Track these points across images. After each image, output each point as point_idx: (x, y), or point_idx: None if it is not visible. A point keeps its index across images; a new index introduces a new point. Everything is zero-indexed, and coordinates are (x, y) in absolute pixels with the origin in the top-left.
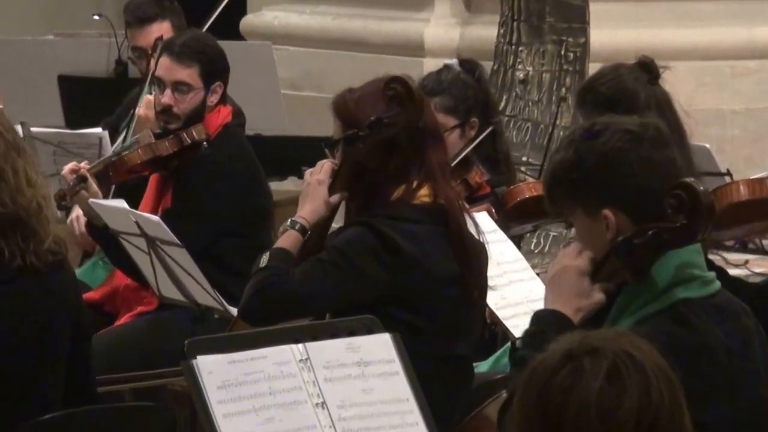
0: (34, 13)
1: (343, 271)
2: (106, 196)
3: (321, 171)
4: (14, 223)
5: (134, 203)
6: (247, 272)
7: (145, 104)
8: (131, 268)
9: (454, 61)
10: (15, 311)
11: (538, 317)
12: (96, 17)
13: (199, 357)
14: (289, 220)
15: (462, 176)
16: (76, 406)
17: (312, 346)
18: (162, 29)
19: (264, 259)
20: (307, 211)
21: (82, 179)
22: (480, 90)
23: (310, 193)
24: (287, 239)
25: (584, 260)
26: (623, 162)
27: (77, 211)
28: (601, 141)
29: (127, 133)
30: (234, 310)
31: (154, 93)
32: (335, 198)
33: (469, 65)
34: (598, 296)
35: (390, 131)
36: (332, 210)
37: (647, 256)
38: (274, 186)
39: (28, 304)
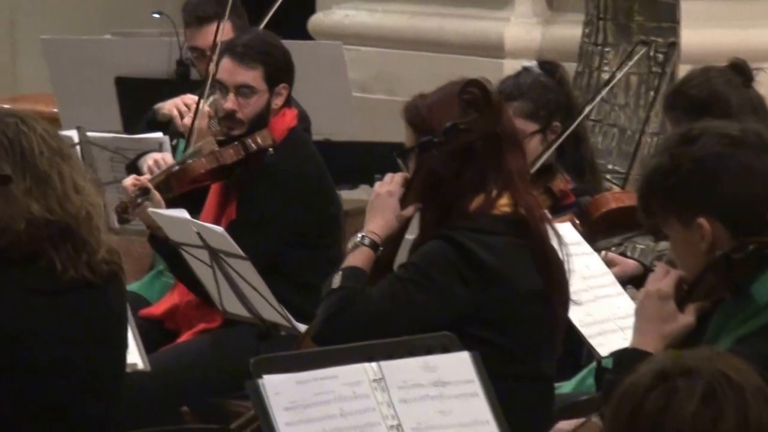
0: (91, 11)
1: (423, 289)
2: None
3: (391, 182)
4: (64, 232)
5: (193, 211)
6: (315, 286)
7: (207, 141)
8: (193, 282)
9: (533, 64)
10: (67, 325)
11: (619, 357)
12: (156, 15)
13: (265, 376)
14: (359, 236)
15: (545, 184)
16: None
17: (386, 365)
18: (222, 30)
19: (336, 280)
20: (378, 226)
21: (144, 191)
22: (561, 93)
23: (380, 206)
24: (359, 256)
25: (667, 282)
26: (721, 168)
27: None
28: (697, 146)
29: (187, 145)
30: (301, 327)
31: (213, 97)
32: (408, 211)
33: (549, 67)
34: (685, 319)
35: (466, 137)
36: (404, 224)
37: (747, 273)
38: (344, 195)
39: (81, 318)
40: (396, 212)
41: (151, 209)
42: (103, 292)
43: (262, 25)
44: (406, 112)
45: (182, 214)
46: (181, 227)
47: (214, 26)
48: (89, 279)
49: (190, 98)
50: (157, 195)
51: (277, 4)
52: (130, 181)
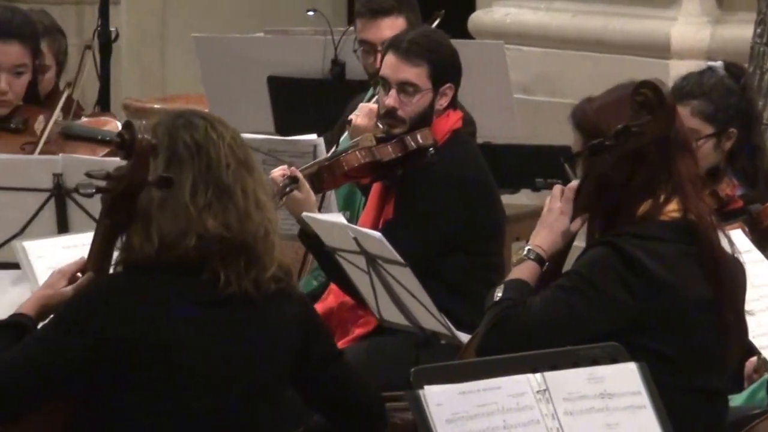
0: (243, 9)
1: (586, 298)
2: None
3: (563, 199)
4: (239, 249)
5: None
6: (475, 293)
7: (363, 112)
8: (347, 283)
9: (718, 64)
10: (222, 340)
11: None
12: (310, 13)
13: (426, 387)
14: (526, 249)
15: (711, 187)
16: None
17: (551, 376)
18: (396, 25)
19: (498, 292)
20: (546, 241)
21: (293, 180)
22: (743, 99)
23: (551, 223)
24: (524, 269)
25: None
26: None
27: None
28: None
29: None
30: (462, 336)
31: (378, 95)
32: (575, 226)
33: (735, 70)
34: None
35: (638, 141)
36: (570, 239)
37: None
38: (506, 199)
39: (237, 334)
40: (564, 231)
41: (305, 214)
42: (261, 309)
43: (434, 25)
44: (574, 116)
45: (338, 218)
46: (336, 232)
47: (387, 20)
48: (251, 295)
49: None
50: (306, 185)
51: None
52: (279, 170)
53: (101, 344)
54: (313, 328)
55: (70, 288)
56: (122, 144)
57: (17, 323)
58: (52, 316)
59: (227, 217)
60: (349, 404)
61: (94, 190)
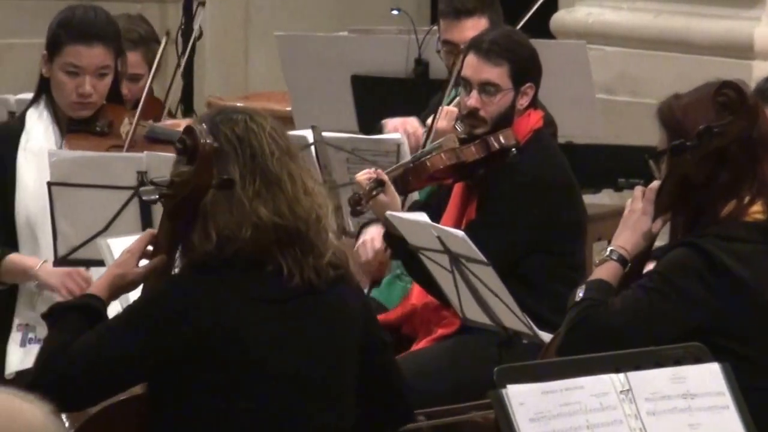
0: (326, 7)
1: (666, 298)
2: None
3: (644, 200)
4: (292, 236)
5: None
6: (557, 292)
7: (444, 115)
8: (430, 284)
9: None
10: (293, 333)
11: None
12: (394, 12)
13: (509, 386)
14: (608, 250)
15: None
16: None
17: (634, 375)
18: (479, 25)
19: (580, 292)
20: (629, 242)
21: (379, 183)
22: None
23: (633, 224)
24: (606, 270)
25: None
26: None
27: (366, 235)
28: None
29: (425, 143)
30: (544, 335)
31: (459, 96)
32: (657, 226)
33: None
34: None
35: (720, 141)
36: (652, 239)
37: None
38: (587, 199)
39: (308, 327)
40: (647, 232)
41: (389, 213)
42: (327, 298)
43: (519, 26)
44: (660, 113)
45: (422, 217)
46: (420, 231)
47: (470, 21)
48: (315, 284)
49: (413, 125)
50: (391, 187)
51: (536, 6)
52: (364, 173)
53: (172, 342)
54: (370, 315)
55: (141, 268)
56: (185, 149)
57: (88, 305)
58: (126, 306)
59: (278, 204)
60: (387, 394)
61: (157, 197)
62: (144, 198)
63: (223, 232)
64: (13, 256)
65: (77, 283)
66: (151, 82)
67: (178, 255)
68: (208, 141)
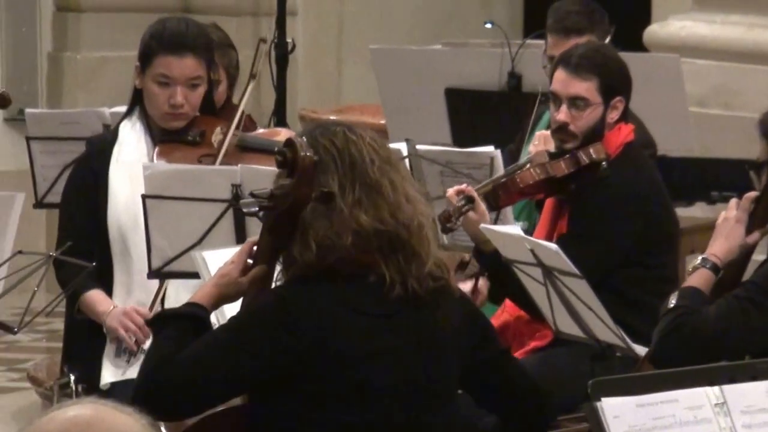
0: (421, 21)
1: (762, 308)
2: (494, 220)
3: (739, 209)
4: (394, 243)
5: None
6: (649, 305)
7: (539, 139)
8: (523, 299)
9: None
10: (396, 347)
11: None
12: (488, 25)
13: (604, 399)
14: (700, 258)
15: None
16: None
17: (729, 389)
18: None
19: (672, 299)
20: (722, 250)
21: (469, 199)
22: None
23: (726, 233)
24: (698, 277)
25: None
26: None
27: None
28: None
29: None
30: (638, 348)
31: (549, 113)
32: (753, 238)
33: None
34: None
35: None
36: (748, 251)
37: None
38: (680, 212)
39: (410, 340)
40: (740, 240)
41: (482, 226)
42: (429, 309)
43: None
44: (762, 124)
45: (515, 230)
46: (513, 244)
47: (580, 40)
48: (417, 294)
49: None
50: (481, 205)
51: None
52: (454, 190)
53: (276, 354)
54: (480, 325)
55: (244, 278)
56: (284, 162)
57: (193, 314)
58: (230, 318)
59: (379, 211)
60: (521, 398)
61: (257, 209)
62: (244, 210)
63: (324, 241)
64: (90, 295)
65: (134, 320)
66: (230, 92)
67: (278, 268)
68: (308, 154)
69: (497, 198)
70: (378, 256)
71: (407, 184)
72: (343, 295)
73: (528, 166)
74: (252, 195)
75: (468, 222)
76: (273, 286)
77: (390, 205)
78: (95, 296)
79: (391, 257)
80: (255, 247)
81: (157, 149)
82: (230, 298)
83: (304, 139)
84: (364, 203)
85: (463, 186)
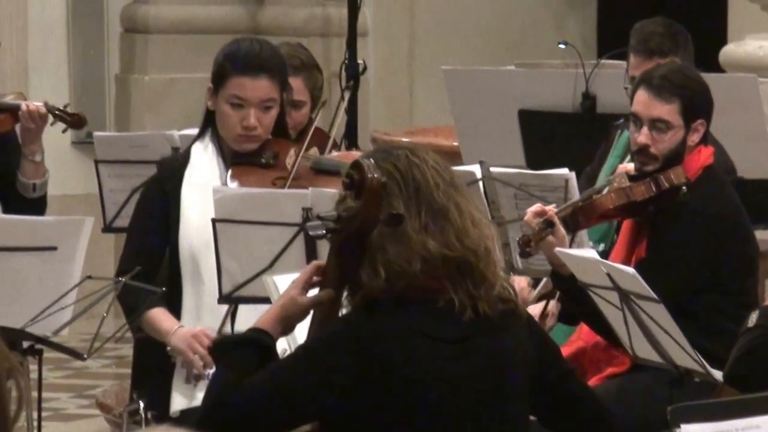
0: (494, 41)
1: None
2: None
3: None
4: (462, 268)
5: None
6: (729, 331)
7: (619, 174)
8: (600, 324)
9: None
10: (467, 373)
11: None
12: (561, 46)
13: (683, 425)
14: None
15: None
16: None
17: None
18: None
19: (753, 319)
20: None
21: (549, 223)
22: None
23: None
24: None
25: None
26: None
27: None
28: None
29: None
30: (717, 374)
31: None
32: None
33: None
34: None
35: None
36: None
37: None
38: (760, 235)
39: (481, 365)
40: None
41: (558, 249)
42: (499, 334)
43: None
44: None
45: (591, 254)
46: (589, 267)
47: (661, 62)
48: (488, 317)
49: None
50: (561, 229)
51: None
52: (532, 211)
53: (346, 381)
54: (546, 347)
55: (307, 299)
56: (352, 184)
57: (258, 340)
58: (298, 345)
59: (446, 236)
60: (588, 418)
61: (324, 232)
62: (311, 233)
63: (393, 268)
64: (155, 313)
65: (203, 343)
66: (316, 115)
67: (345, 293)
68: (375, 175)
69: (576, 222)
70: (446, 282)
71: (472, 208)
72: (412, 321)
73: (608, 189)
74: (319, 218)
75: (547, 246)
76: (340, 311)
77: (457, 230)
78: (159, 314)
79: (461, 283)
80: (322, 271)
81: (229, 172)
82: (294, 321)
83: (371, 161)
84: (431, 228)
85: (540, 207)
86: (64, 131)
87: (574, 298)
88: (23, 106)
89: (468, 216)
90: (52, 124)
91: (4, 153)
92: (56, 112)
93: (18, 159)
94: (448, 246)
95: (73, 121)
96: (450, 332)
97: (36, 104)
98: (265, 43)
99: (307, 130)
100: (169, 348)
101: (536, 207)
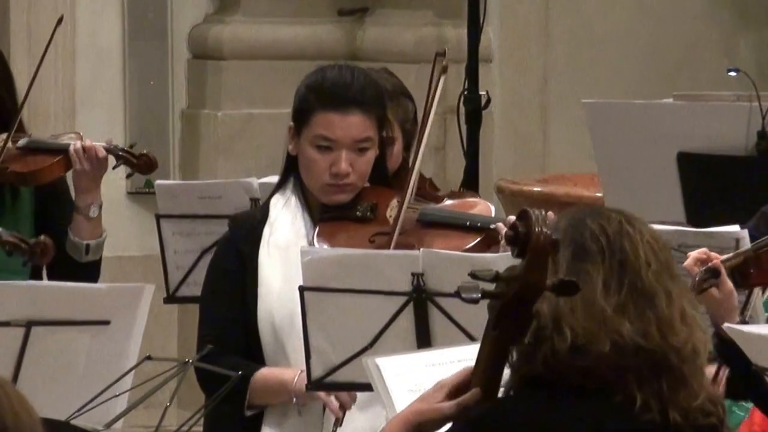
0: (646, 68)
1: None
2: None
3: None
4: (659, 366)
5: None
6: None
7: None
8: None
9: None
10: None
11: None
12: (732, 74)
13: None
14: None
15: None
16: None
17: None
18: None
19: None
20: None
21: (714, 273)
22: None
23: None
24: None
25: None
26: None
27: None
28: None
29: None
30: None
31: None
32: None
33: None
34: None
35: None
36: None
37: None
38: None
39: None
40: None
41: (727, 325)
42: None
43: None
44: None
45: (765, 330)
46: (765, 348)
47: None
48: (680, 428)
49: None
50: (728, 282)
51: None
52: (693, 257)
53: None
54: None
55: (450, 404)
56: (515, 238)
57: None
58: None
59: (645, 324)
60: None
61: (479, 295)
62: (464, 296)
63: (579, 339)
64: (264, 371)
65: (349, 392)
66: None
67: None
68: (544, 230)
69: (747, 275)
70: (631, 377)
71: (686, 302)
72: (579, 410)
73: None
74: (472, 276)
75: (709, 301)
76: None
77: (660, 321)
78: (272, 371)
79: (650, 381)
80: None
81: (317, 229)
82: (428, 426)
83: (565, 219)
84: (629, 310)
85: (705, 252)
86: (128, 176)
87: (744, 376)
88: (73, 144)
89: (678, 309)
90: (114, 167)
91: (57, 206)
92: (120, 153)
93: (71, 214)
94: (646, 336)
95: (141, 163)
96: (625, 427)
97: (93, 143)
98: (358, 70)
99: (400, 171)
100: (295, 399)
101: (700, 252)
